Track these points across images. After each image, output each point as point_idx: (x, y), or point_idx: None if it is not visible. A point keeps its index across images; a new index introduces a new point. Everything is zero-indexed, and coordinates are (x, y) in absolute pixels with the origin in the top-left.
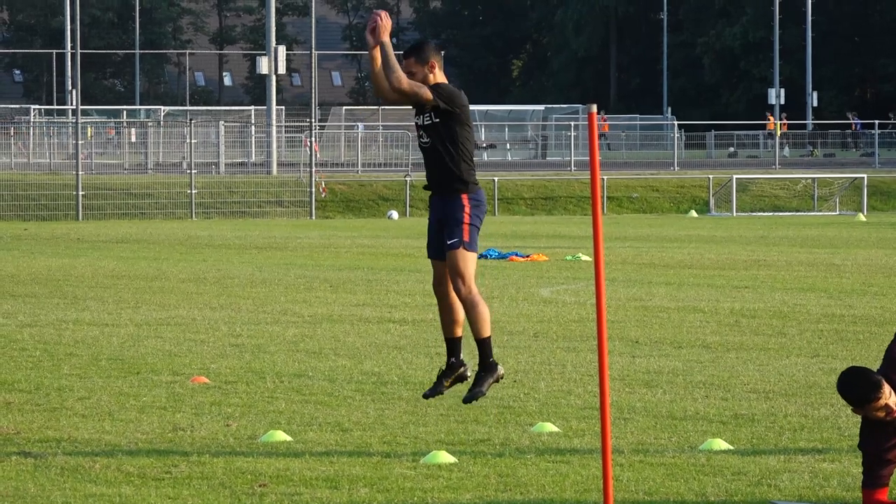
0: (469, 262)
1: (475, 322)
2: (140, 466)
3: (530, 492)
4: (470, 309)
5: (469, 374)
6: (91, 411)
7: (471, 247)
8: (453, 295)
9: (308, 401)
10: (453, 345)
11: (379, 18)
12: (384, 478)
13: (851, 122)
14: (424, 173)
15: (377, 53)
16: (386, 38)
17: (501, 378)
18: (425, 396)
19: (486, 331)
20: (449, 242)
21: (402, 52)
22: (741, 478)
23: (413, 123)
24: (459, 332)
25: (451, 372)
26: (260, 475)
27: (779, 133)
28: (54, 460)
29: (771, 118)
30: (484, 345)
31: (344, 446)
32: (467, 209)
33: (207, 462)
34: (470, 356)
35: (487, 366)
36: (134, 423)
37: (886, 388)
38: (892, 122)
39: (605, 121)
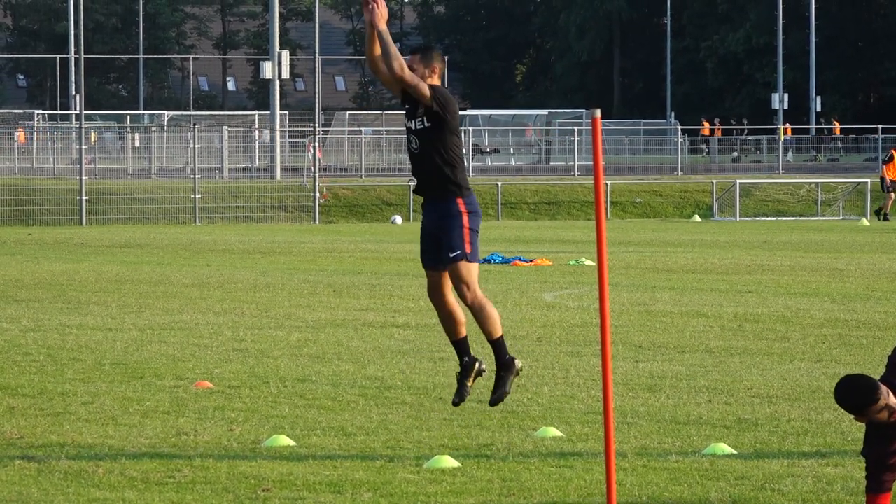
0: (473, 271)
1: (486, 324)
2: (143, 471)
3: (534, 496)
4: (478, 313)
5: (485, 367)
6: (94, 416)
7: (473, 257)
8: (450, 300)
9: (311, 405)
10: (461, 345)
11: (376, 5)
12: (387, 482)
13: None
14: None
15: (375, 39)
16: (383, 26)
17: (521, 371)
18: (454, 404)
19: (498, 331)
20: (451, 255)
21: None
22: (744, 482)
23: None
24: (464, 331)
25: (469, 371)
26: (263, 480)
27: (782, 138)
28: (58, 465)
29: (787, 127)
30: (498, 345)
31: (347, 451)
32: (465, 216)
33: (211, 466)
34: (480, 349)
35: (505, 364)
36: (137, 427)
37: (884, 388)
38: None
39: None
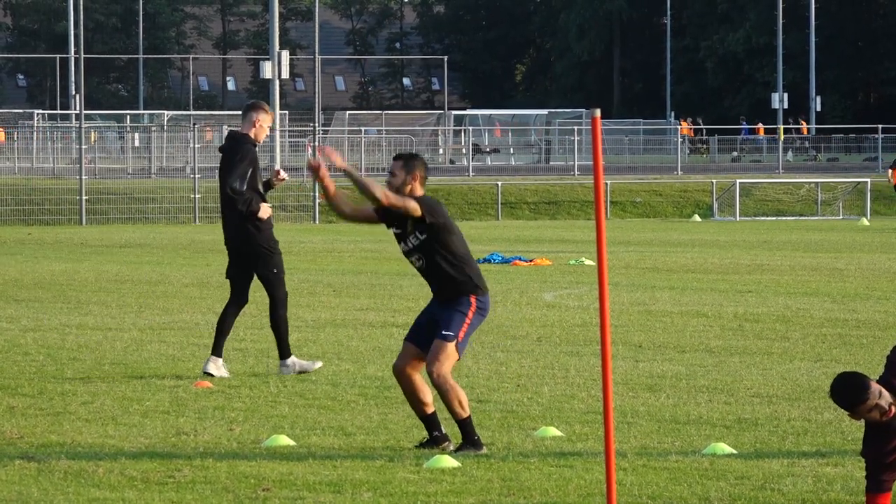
0: (452, 358)
1: (452, 405)
2: (143, 471)
3: (533, 496)
4: (445, 394)
5: (451, 447)
6: (94, 415)
7: (460, 347)
8: (416, 378)
9: (311, 405)
10: (430, 420)
11: (320, 161)
12: (387, 482)
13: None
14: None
15: (339, 200)
16: (345, 166)
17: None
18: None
19: (466, 411)
20: (443, 333)
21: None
22: (744, 482)
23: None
24: (431, 409)
25: (436, 444)
26: (263, 479)
27: (782, 137)
28: (57, 464)
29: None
30: (465, 425)
31: (347, 451)
32: (473, 308)
33: (211, 466)
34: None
35: (473, 443)
36: (137, 427)
37: (875, 388)
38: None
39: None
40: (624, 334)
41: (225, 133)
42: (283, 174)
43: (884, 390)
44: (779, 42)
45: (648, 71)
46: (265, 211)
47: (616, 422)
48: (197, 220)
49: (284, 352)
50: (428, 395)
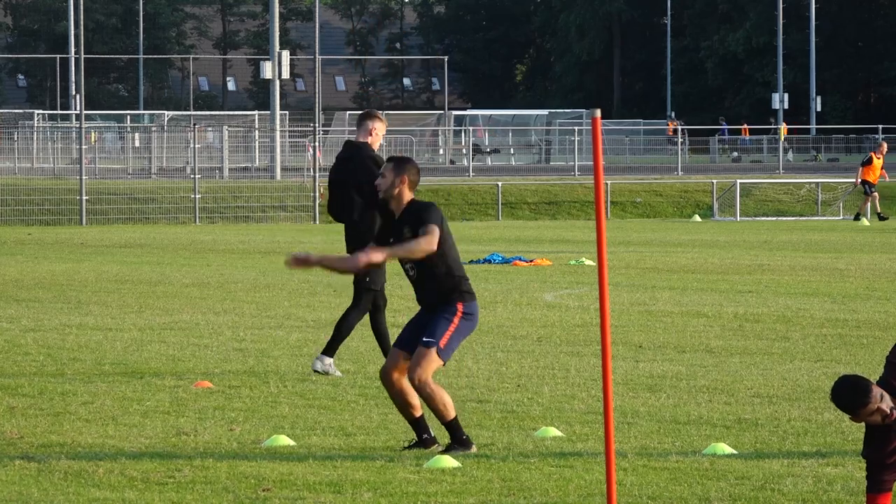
0: (434, 364)
1: (437, 410)
2: (143, 471)
3: (534, 496)
4: (428, 399)
5: (441, 449)
6: (94, 416)
7: (444, 354)
8: (402, 384)
9: (311, 405)
10: (418, 424)
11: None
12: (388, 482)
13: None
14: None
15: (335, 261)
16: (379, 258)
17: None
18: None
19: (451, 413)
20: (425, 339)
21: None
22: (745, 482)
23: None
24: (419, 412)
25: (425, 447)
26: (263, 479)
27: (783, 137)
28: (58, 465)
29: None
30: (453, 427)
31: (347, 451)
32: (459, 314)
33: (211, 466)
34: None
35: (462, 443)
36: (137, 427)
37: (876, 392)
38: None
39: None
40: (624, 334)
41: (225, 134)
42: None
43: (885, 394)
44: (779, 42)
45: (648, 71)
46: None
47: (616, 422)
48: (197, 221)
49: (329, 350)
50: (415, 398)
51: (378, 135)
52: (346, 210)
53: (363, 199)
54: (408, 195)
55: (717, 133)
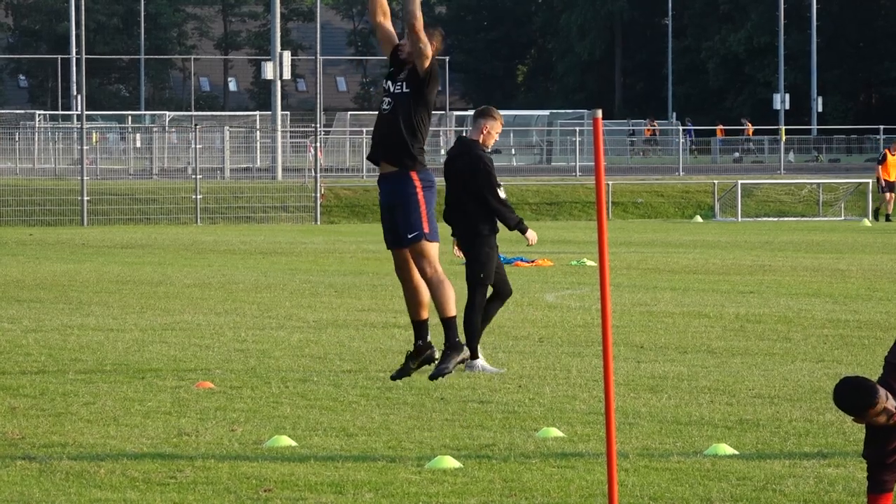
0: (432, 249)
1: (440, 301)
2: (145, 471)
3: (535, 497)
4: (435, 289)
5: (437, 355)
6: (96, 416)
7: (432, 236)
8: (416, 278)
9: (313, 406)
10: (420, 327)
11: None
12: (389, 483)
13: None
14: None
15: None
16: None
17: (466, 360)
18: (393, 378)
19: (452, 310)
20: (409, 236)
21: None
22: (746, 483)
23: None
24: (425, 314)
25: (419, 354)
26: (265, 480)
27: (784, 138)
28: (59, 465)
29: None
30: (449, 324)
31: (349, 451)
32: (420, 193)
33: (212, 467)
34: (438, 337)
35: (453, 345)
36: (139, 427)
37: (882, 392)
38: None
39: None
40: (626, 335)
41: (227, 134)
42: None
43: (888, 394)
44: (780, 42)
45: (650, 71)
46: (533, 236)
47: (618, 422)
48: (198, 221)
49: (472, 353)
50: (426, 296)
51: (491, 133)
52: (454, 209)
53: (469, 197)
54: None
55: (686, 133)
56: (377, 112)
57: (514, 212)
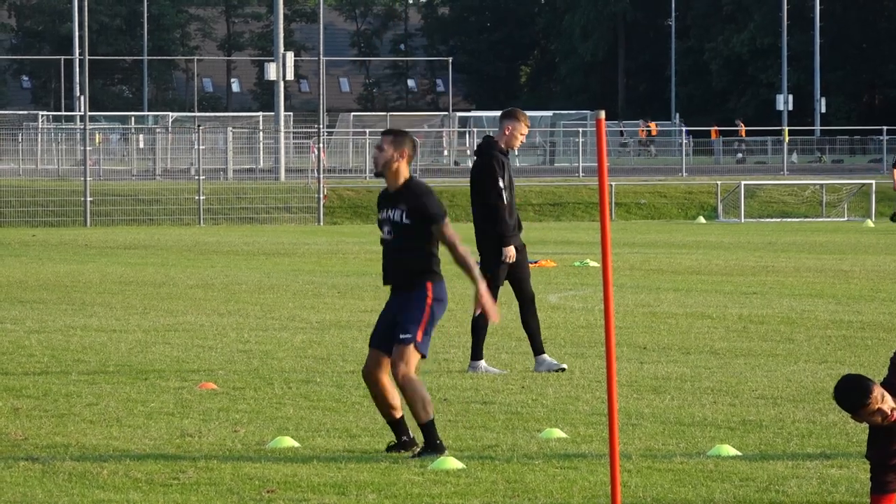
0: (414, 359)
1: (415, 406)
2: (148, 472)
3: (538, 498)
4: (409, 395)
5: (418, 449)
6: (99, 417)
7: (421, 348)
8: (385, 382)
9: (316, 407)
10: (398, 425)
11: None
12: (392, 484)
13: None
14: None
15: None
16: (482, 287)
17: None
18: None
19: (429, 413)
20: (402, 336)
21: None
22: (749, 483)
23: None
24: (399, 412)
25: (404, 448)
26: (268, 481)
27: (787, 139)
28: (62, 466)
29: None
30: (428, 428)
31: (352, 452)
32: (429, 301)
33: (215, 468)
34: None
35: (435, 447)
36: (142, 428)
37: (877, 392)
38: None
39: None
40: (629, 336)
41: (230, 135)
42: None
43: (886, 394)
44: (783, 43)
45: (653, 72)
46: (510, 253)
47: (621, 423)
48: (201, 222)
49: (537, 351)
50: (396, 399)
51: (514, 134)
52: (472, 205)
53: (476, 195)
54: (405, 171)
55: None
56: (379, 239)
57: (511, 219)
